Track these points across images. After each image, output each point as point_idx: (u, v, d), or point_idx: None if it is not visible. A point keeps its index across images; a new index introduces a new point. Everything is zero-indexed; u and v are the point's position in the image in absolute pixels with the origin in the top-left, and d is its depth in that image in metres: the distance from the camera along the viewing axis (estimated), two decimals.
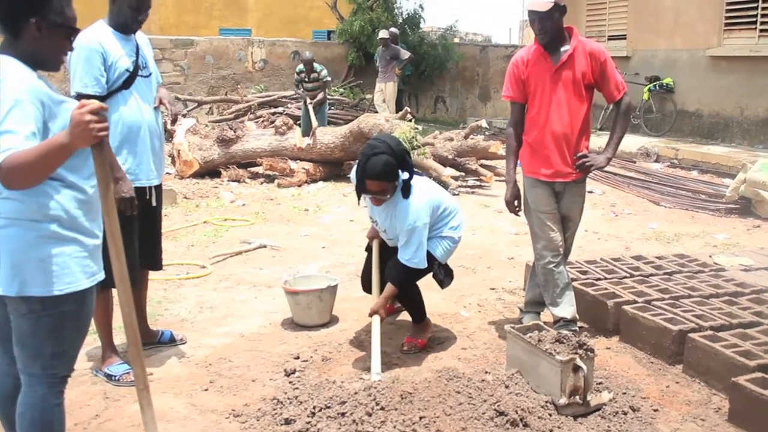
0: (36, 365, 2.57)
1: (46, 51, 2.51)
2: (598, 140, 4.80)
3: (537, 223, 4.36)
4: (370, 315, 4.22)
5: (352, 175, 4.25)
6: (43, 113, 2.38)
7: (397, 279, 4.23)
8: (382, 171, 4.01)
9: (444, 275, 4.45)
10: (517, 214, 4.54)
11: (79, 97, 3.65)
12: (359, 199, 4.26)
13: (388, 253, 4.49)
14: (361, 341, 4.50)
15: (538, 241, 4.37)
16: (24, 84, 2.37)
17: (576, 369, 3.46)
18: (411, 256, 4.15)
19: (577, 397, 3.48)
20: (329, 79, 12.92)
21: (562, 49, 4.19)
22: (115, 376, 3.91)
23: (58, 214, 2.47)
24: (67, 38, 2.53)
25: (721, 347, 3.82)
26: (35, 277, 2.45)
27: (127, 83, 3.86)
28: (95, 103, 2.27)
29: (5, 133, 2.27)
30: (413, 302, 4.48)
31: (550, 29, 4.13)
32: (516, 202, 4.47)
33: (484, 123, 10.87)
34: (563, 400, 3.46)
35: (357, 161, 4.20)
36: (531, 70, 4.25)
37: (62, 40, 2.52)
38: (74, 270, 2.52)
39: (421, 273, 4.30)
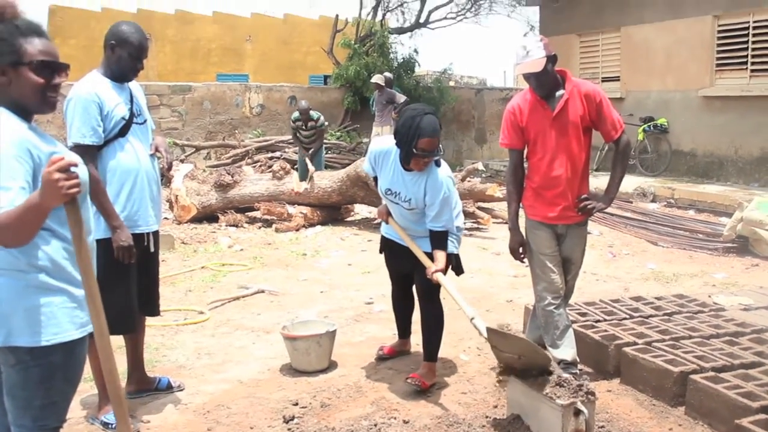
0: (26, 417, 2.53)
1: (23, 93, 2.44)
2: (595, 181, 4.81)
3: (538, 265, 4.34)
4: (433, 273, 4.16)
5: (379, 146, 4.46)
6: (32, 165, 2.35)
7: (439, 243, 4.29)
8: (437, 127, 4.17)
9: (459, 264, 4.54)
10: (522, 262, 4.51)
11: (77, 147, 3.68)
12: (408, 163, 4.24)
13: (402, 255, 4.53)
14: (360, 386, 4.47)
15: (539, 282, 4.35)
16: (12, 138, 2.35)
17: (577, 413, 3.43)
18: (445, 223, 4.28)
19: None
20: (327, 124, 12.99)
21: (558, 94, 4.21)
22: (111, 425, 3.86)
23: (45, 264, 2.44)
24: (38, 73, 2.43)
25: (723, 389, 3.79)
26: (22, 327, 2.42)
27: (123, 131, 3.89)
28: (64, 161, 2.20)
29: None
30: (436, 325, 4.49)
31: (547, 82, 4.15)
32: (520, 249, 4.43)
33: (480, 165, 10.92)
34: None
35: (398, 127, 4.24)
36: (529, 118, 4.25)
37: (33, 76, 2.43)
38: (62, 320, 2.48)
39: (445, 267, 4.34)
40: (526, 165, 4.43)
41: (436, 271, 4.16)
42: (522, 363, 3.76)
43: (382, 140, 4.57)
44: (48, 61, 2.47)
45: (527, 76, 4.15)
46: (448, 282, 4.17)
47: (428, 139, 4.10)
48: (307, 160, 11.26)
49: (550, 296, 4.30)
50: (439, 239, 4.29)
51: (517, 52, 4.12)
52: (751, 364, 4.18)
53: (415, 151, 4.11)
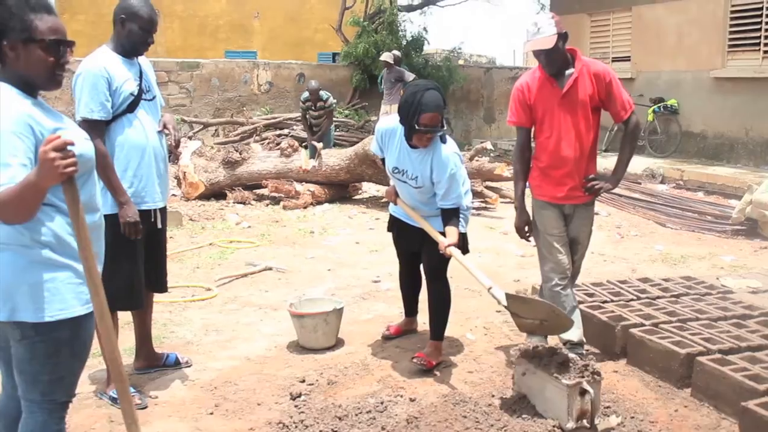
0: (35, 391, 2.55)
1: (29, 70, 2.44)
2: (603, 161, 4.79)
3: (545, 246, 4.33)
4: (446, 247, 4.12)
5: (385, 124, 4.45)
6: (34, 142, 2.34)
7: (452, 220, 4.28)
8: (440, 102, 4.14)
9: (466, 243, 4.52)
10: (527, 240, 4.51)
11: (84, 121, 3.68)
12: (411, 139, 4.21)
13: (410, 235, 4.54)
14: (367, 364, 4.48)
15: (546, 263, 4.34)
16: (13, 114, 2.34)
17: (583, 393, 3.44)
18: (455, 199, 4.27)
19: (585, 421, 3.46)
20: (336, 104, 12.96)
21: (567, 72, 4.17)
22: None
23: (49, 240, 2.44)
24: (48, 51, 2.43)
25: (729, 371, 3.79)
26: (26, 302, 2.43)
27: (132, 107, 3.88)
28: (60, 139, 2.19)
29: None
30: (443, 303, 4.49)
31: (557, 59, 4.12)
32: (526, 228, 4.43)
33: (489, 145, 10.86)
34: (570, 425, 3.43)
35: (401, 103, 4.23)
36: (537, 96, 4.22)
37: (41, 55, 2.43)
38: (66, 296, 2.49)
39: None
40: (533, 144, 4.41)
41: (450, 245, 4.13)
42: (544, 328, 3.82)
43: (389, 119, 4.55)
44: (59, 40, 2.47)
45: (537, 53, 4.12)
46: (462, 256, 4.16)
47: (430, 114, 4.07)
48: (314, 143, 11.23)
49: (557, 277, 4.29)
50: (450, 216, 4.28)
51: (528, 28, 4.08)
52: (758, 347, 4.18)
53: (417, 127, 4.08)
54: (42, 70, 2.46)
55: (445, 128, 4.24)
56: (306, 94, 12.18)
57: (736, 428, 3.56)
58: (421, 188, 4.31)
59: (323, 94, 12.12)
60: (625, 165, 4.34)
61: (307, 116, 12.19)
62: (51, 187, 2.28)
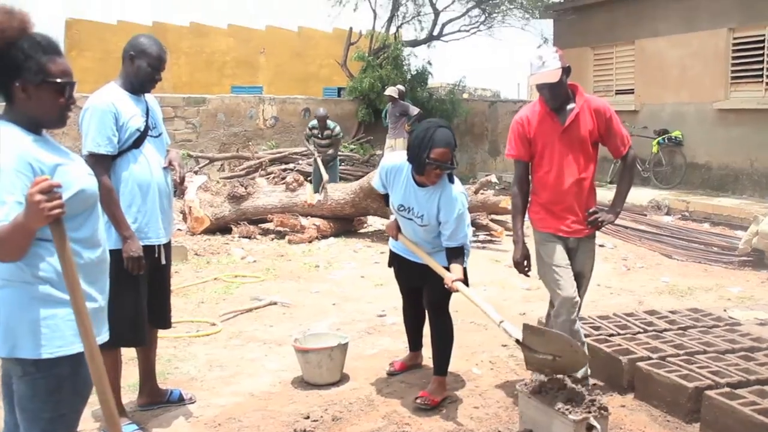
0: (36, 429, 2.52)
1: (39, 111, 2.48)
2: (608, 194, 4.75)
3: (553, 279, 4.25)
4: (452, 282, 4.09)
5: (390, 162, 4.46)
6: (32, 179, 2.32)
7: (458, 258, 4.28)
8: (451, 140, 4.14)
9: (466, 276, 4.45)
10: (526, 275, 4.46)
11: (91, 156, 3.70)
12: (421, 173, 4.17)
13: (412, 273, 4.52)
14: (372, 400, 4.45)
15: (556, 296, 4.26)
16: (14, 152, 2.36)
17: (590, 428, 3.40)
18: (461, 239, 4.28)
19: None
20: (342, 135, 13.02)
21: (569, 107, 4.17)
22: None
23: (50, 276, 2.44)
24: (58, 93, 2.48)
25: (739, 405, 3.74)
26: (26, 339, 2.43)
27: (138, 143, 3.91)
28: (46, 182, 2.19)
29: None
30: (445, 338, 4.46)
31: (561, 94, 4.12)
32: (525, 263, 4.38)
33: (494, 178, 10.87)
34: None
35: (411, 140, 4.23)
36: (537, 130, 4.21)
37: (52, 96, 2.48)
38: (66, 333, 2.47)
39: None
40: (530, 178, 4.39)
41: (456, 280, 4.11)
42: (555, 366, 3.67)
43: (394, 156, 4.55)
44: (70, 83, 2.51)
45: (541, 87, 4.12)
46: (469, 290, 4.14)
47: (441, 149, 4.07)
48: (321, 168, 11.22)
49: (568, 309, 4.19)
50: (456, 254, 4.28)
51: (532, 62, 4.09)
52: (767, 380, 4.13)
53: (428, 161, 4.08)
54: (53, 110, 2.50)
55: (456, 166, 4.24)
56: (314, 122, 12.23)
57: None
58: (427, 226, 4.30)
59: (330, 123, 12.18)
60: (623, 198, 4.36)
61: (312, 144, 12.21)
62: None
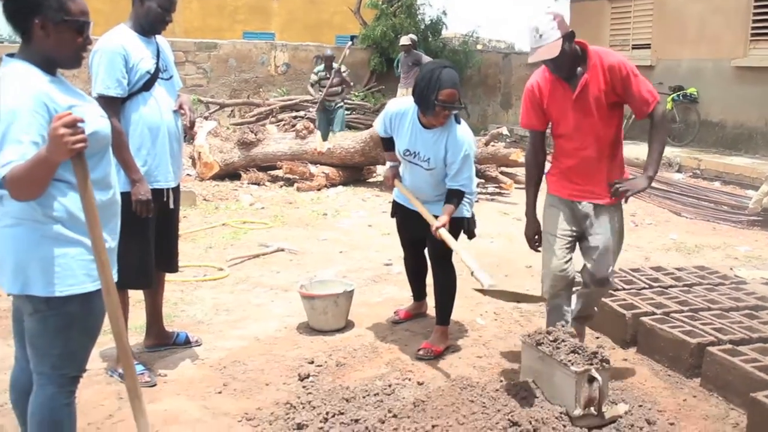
0: (45, 364, 2.58)
1: (57, 49, 2.49)
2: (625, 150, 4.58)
3: (544, 245, 4.10)
4: (436, 229, 4.11)
5: (395, 107, 4.44)
6: (47, 119, 2.36)
7: (455, 202, 4.27)
8: (457, 80, 4.14)
9: (474, 227, 4.55)
10: (537, 251, 4.22)
11: (100, 98, 3.69)
12: (427, 113, 4.16)
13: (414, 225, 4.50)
14: (376, 347, 4.49)
15: (543, 267, 4.10)
16: (29, 92, 2.37)
17: (591, 380, 3.42)
18: (464, 182, 4.26)
19: (592, 408, 3.45)
20: (350, 83, 12.92)
21: (579, 71, 3.82)
22: None
23: (62, 215, 2.47)
24: (77, 32, 2.49)
25: (740, 361, 3.76)
26: (37, 277, 2.46)
27: (148, 85, 3.89)
28: (70, 116, 2.24)
29: (9, 143, 2.29)
30: (448, 289, 4.50)
31: (566, 63, 3.76)
32: (536, 238, 4.17)
33: (505, 130, 10.81)
34: (578, 412, 3.42)
35: (417, 81, 4.20)
36: (550, 99, 3.91)
37: (71, 35, 2.49)
38: (77, 272, 2.51)
39: (455, 231, 4.36)
40: (549, 143, 4.12)
41: (439, 227, 4.11)
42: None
43: (399, 101, 4.54)
44: (88, 23, 2.52)
45: (545, 62, 3.82)
46: (452, 238, 4.13)
47: (449, 90, 4.06)
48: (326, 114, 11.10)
49: (550, 283, 4.04)
50: (451, 196, 4.27)
51: (530, 35, 3.72)
52: None
53: (437, 103, 4.06)
54: (70, 50, 2.52)
55: (464, 106, 4.21)
56: (320, 67, 12.12)
57: (744, 419, 3.54)
58: (433, 170, 4.29)
59: (335, 64, 12.08)
60: (656, 161, 3.86)
61: (319, 90, 12.14)
62: (63, 163, 2.31)
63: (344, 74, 12.30)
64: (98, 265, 2.43)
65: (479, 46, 22.14)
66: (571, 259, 4.03)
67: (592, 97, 3.81)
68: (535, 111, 4.00)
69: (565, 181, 4.02)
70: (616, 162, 3.98)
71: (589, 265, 3.99)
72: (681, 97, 13.41)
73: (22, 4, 2.42)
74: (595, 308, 4.31)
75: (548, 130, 4.08)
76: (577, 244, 4.07)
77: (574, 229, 4.00)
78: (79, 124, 2.25)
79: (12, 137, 2.29)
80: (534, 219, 4.17)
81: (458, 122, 4.28)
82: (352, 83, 13.10)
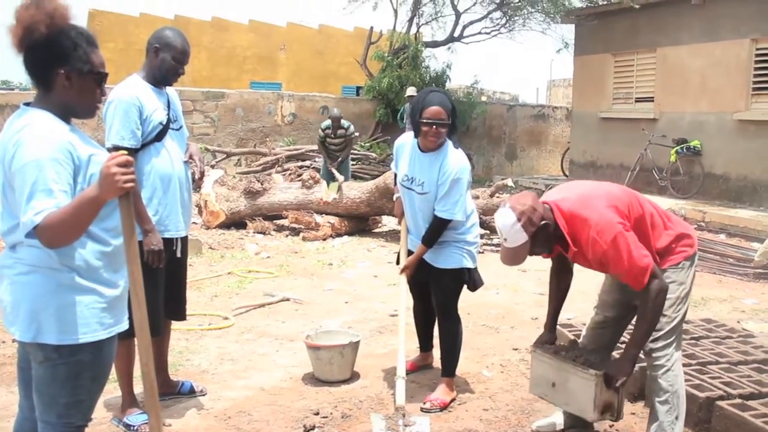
0: (51, 413, 2.57)
1: (78, 100, 2.54)
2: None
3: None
4: (401, 272, 4.31)
5: (401, 140, 4.59)
6: (73, 168, 2.41)
7: (430, 235, 4.30)
8: (443, 100, 4.23)
9: (477, 278, 4.52)
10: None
11: (115, 149, 3.73)
12: (417, 135, 4.31)
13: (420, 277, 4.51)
14: (382, 398, 4.46)
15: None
16: (55, 141, 2.41)
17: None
18: (450, 207, 4.25)
19: (609, 414, 3.42)
20: (357, 134, 13.04)
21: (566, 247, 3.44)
22: (134, 426, 3.90)
23: (79, 264, 2.49)
24: (97, 84, 2.56)
25: (750, 416, 3.73)
26: (51, 324, 2.47)
27: (160, 136, 3.94)
28: (123, 156, 2.31)
29: (40, 193, 2.32)
30: (453, 341, 4.49)
31: (546, 249, 3.46)
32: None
33: (510, 182, 10.86)
34: (595, 415, 3.39)
35: (410, 110, 4.40)
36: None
37: (92, 86, 2.55)
38: (90, 320, 2.52)
39: (456, 282, 4.40)
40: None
41: (404, 269, 4.29)
42: None
43: (405, 135, 4.64)
44: (107, 74, 2.60)
45: None
46: (404, 289, 4.31)
47: (433, 108, 4.18)
48: (334, 171, 11.29)
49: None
50: (433, 231, 4.30)
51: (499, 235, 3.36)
52: None
53: (422, 121, 4.19)
54: (90, 100, 2.58)
55: (449, 121, 4.25)
56: (327, 122, 12.26)
57: None
58: (427, 194, 4.32)
59: (344, 122, 12.21)
60: (642, 340, 3.41)
61: (327, 144, 12.25)
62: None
63: (350, 131, 12.35)
64: (135, 303, 2.49)
65: (483, 98, 22.36)
66: (608, 326, 3.82)
67: (589, 258, 3.39)
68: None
69: None
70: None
71: None
72: (684, 150, 13.49)
73: (50, 54, 2.47)
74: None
75: None
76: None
77: (620, 299, 3.74)
78: (129, 165, 2.32)
79: (41, 187, 2.32)
80: (546, 331, 3.88)
81: (456, 147, 4.36)
82: (357, 134, 13.17)
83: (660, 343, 3.46)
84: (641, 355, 3.55)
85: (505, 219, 3.25)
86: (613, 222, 3.25)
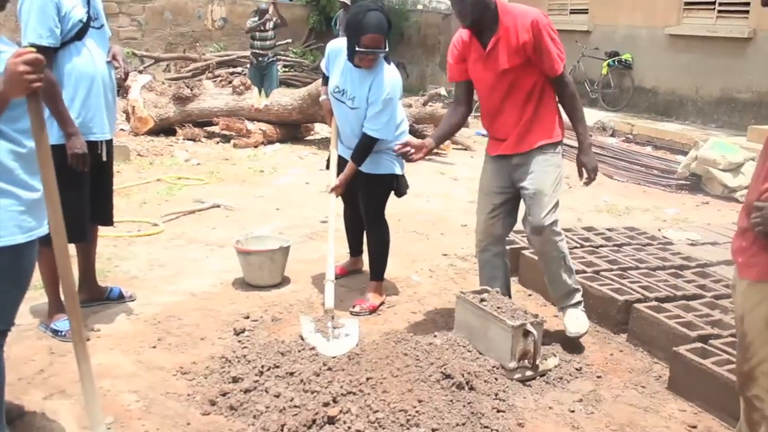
0: None
1: None
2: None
3: (477, 203, 4.18)
4: (330, 191, 4.34)
5: (336, 44, 4.40)
6: None
7: (360, 154, 4.29)
8: (382, 23, 4.08)
9: (404, 186, 4.56)
10: (410, 159, 3.87)
11: (33, 47, 3.56)
12: (352, 59, 4.19)
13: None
14: (312, 302, 4.51)
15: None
16: None
17: (526, 334, 3.51)
18: (381, 127, 4.22)
19: (526, 361, 3.55)
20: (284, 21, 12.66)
21: (492, 29, 3.72)
22: (61, 332, 3.85)
23: None
24: None
25: (664, 318, 3.91)
26: None
27: (80, 34, 3.77)
28: (32, 54, 2.20)
29: None
30: (381, 246, 4.54)
31: (468, 12, 3.68)
32: (412, 146, 3.86)
33: (443, 91, 10.84)
34: (512, 364, 3.51)
35: (345, 24, 4.22)
36: (467, 55, 3.89)
37: None
38: (7, 224, 2.45)
39: (385, 187, 4.44)
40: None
41: (333, 188, 4.31)
42: None
43: (339, 40, 4.49)
44: None
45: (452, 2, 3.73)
46: (332, 206, 4.33)
47: (371, 35, 4.05)
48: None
49: (478, 237, 4.19)
50: (361, 148, 4.28)
51: None
52: (692, 296, 4.31)
53: (359, 48, 4.06)
54: None
55: (386, 49, 4.17)
56: (255, 18, 11.92)
57: (666, 372, 3.69)
58: (357, 110, 4.27)
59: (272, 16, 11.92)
60: (585, 132, 3.97)
61: (255, 42, 11.94)
62: None
63: (274, 19, 11.99)
64: (49, 206, 2.42)
65: (419, 6, 22.01)
66: (498, 215, 4.06)
67: (503, 56, 3.71)
68: (456, 63, 3.98)
69: (492, 139, 4.06)
70: (540, 117, 3.88)
71: (527, 214, 3.97)
72: (616, 63, 13.62)
73: None
74: (557, 276, 4.03)
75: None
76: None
77: (503, 185, 4.01)
78: (39, 64, 2.21)
79: None
80: (426, 140, 3.99)
81: (388, 62, 4.26)
82: (283, 18, 12.66)
83: (552, 218, 3.87)
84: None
85: None
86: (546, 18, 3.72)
